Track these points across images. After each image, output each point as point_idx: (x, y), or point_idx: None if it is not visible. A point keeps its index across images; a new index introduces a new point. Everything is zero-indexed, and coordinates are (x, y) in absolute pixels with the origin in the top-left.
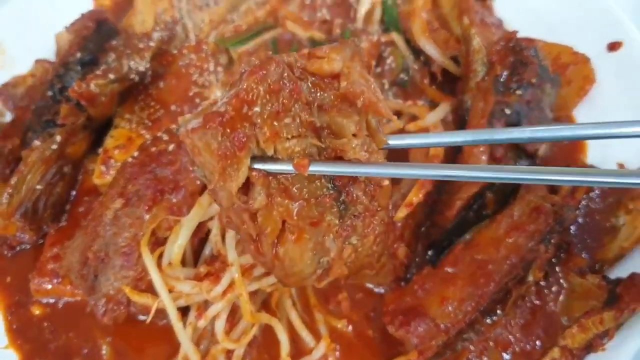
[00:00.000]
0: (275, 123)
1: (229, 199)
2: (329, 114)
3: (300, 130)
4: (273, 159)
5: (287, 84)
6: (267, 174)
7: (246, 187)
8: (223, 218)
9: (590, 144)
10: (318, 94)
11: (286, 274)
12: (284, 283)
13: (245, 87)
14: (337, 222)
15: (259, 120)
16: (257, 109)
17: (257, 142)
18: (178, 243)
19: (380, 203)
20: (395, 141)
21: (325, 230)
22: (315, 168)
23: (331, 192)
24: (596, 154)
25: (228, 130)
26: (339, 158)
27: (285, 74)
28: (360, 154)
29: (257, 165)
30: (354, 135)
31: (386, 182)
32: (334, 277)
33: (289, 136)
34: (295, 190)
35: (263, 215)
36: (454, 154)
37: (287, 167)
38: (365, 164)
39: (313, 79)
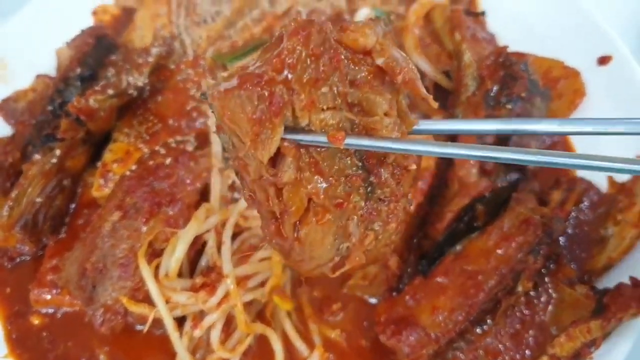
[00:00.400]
0: (313, 91)
1: (258, 170)
2: (361, 90)
3: (336, 102)
4: (305, 131)
5: (329, 50)
6: (299, 145)
7: (274, 159)
8: (246, 194)
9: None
10: (351, 67)
11: (303, 260)
12: (299, 270)
13: (288, 46)
14: (362, 204)
15: (297, 86)
16: (297, 73)
17: (293, 110)
18: (175, 256)
19: (404, 189)
20: (424, 126)
21: (349, 213)
22: (351, 141)
23: (360, 171)
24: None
25: (265, 93)
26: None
27: (326, 39)
28: (392, 133)
29: (289, 136)
30: (386, 114)
31: (413, 167)
32: (350, 266)
33: (325, 107)
34: (326, 166)
35: (290, 191)
36: (445, 167)
37: (321, 139)
38: (404, 141)
39: (346, 52)
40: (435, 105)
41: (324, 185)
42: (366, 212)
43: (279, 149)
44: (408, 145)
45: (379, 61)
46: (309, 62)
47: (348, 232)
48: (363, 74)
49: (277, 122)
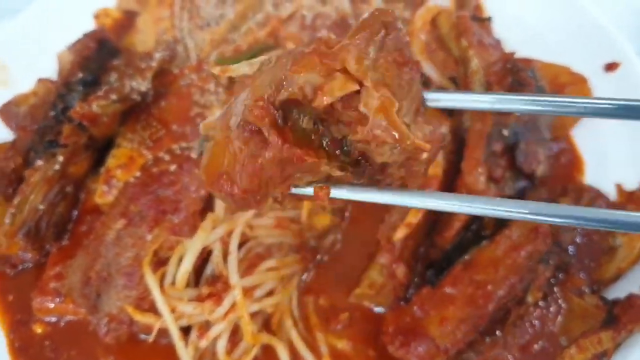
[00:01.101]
0: (286, 184)
1: None
2: (354, 147)
3: (314, 177)
4: None
5: (289, 162)
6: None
7: None
8: None
9: (588, 164)
10: (336, 129)
11: None
12: None
13: (244, 185)
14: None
15: (269, 190)
16: (260, 192)
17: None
18: (183, 269)
19: None
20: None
21: None
22: (337, 192)
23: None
24: (594, 173)
25: (240, 202)
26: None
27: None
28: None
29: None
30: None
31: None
32: None
33: (304, 182)
34: None
35: None
36: (453, 174)
37: (308, 191)
38: (394, 191)
39: (327, 110)
40: (427, 147)
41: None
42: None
43: None
44: (397, 197)
45: (363, 110)
46: (270, 179)
47: None
48: (350, 125)
49: (261, 207)
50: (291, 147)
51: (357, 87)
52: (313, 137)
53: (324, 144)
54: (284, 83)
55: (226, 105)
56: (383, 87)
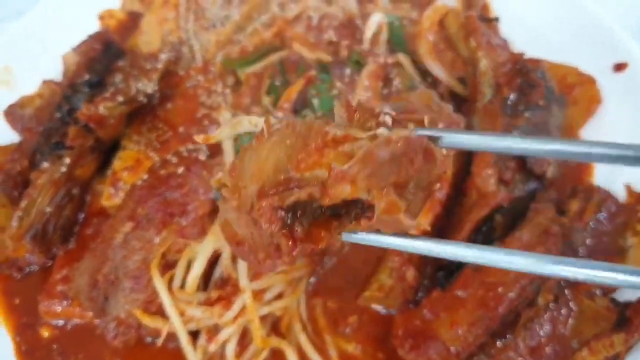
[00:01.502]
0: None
1: None
2: None
3: None
4: None
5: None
6: None
7: None
8: None
9: (597, 166)
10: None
11: None
12: None
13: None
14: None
15: None
16: None
17: None
18: (194, 273)
19: None
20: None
21: None
22: (347, 236)
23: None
24: (603, 174)
25: None
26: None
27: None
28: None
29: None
30: None
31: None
32: None
33: None
34: None
35: None
36: (463, 176)
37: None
38: (404, 237)
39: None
40: (426, 227)
41: None
42: None
43: None
44: (408, 242)
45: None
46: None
47: None
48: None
49: None
50: (304, 245)
51: (365, 196)
52: (321, 212)
53: (333, 212)
54: (290, 180)
55: (234, 159)
56: (391, 191)
